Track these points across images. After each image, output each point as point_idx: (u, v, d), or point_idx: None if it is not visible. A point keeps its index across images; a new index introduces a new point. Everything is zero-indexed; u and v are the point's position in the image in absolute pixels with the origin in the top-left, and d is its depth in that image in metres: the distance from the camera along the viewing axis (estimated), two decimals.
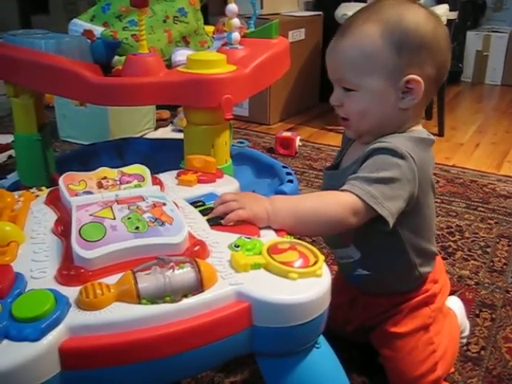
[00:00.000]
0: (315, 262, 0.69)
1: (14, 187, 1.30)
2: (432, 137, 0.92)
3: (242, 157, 1.64)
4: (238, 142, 2.22)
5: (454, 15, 2.37)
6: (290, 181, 1.43)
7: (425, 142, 0.89)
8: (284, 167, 1.54)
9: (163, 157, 1.38)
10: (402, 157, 0.83)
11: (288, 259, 0.68)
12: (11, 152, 2.02)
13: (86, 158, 1.62)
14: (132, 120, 2.32)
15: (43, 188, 0.92)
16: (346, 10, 2.34)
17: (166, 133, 2.45)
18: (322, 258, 0.70)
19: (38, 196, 0.88)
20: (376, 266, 0.96)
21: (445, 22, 2.27)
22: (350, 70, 0.87)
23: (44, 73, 1.15)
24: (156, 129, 2.48)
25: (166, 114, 2.64)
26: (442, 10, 2.29)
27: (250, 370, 1.01)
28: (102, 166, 0.93)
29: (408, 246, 0.93)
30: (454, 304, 1.10)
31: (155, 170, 1.00)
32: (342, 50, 0.87)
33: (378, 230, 0.84)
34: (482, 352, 1.09)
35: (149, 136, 2.36)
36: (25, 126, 1.35)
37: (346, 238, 0.95)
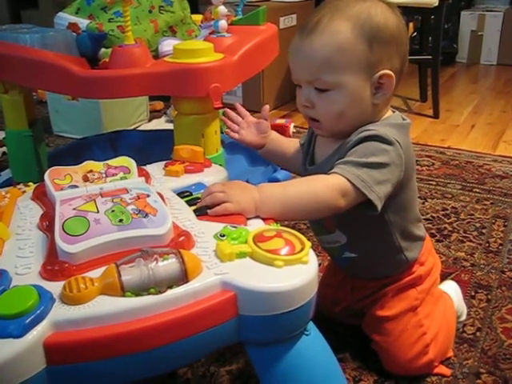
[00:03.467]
0: (301, 249, 0.68)
1: (7, 184, 1.30)
2: (408, 120, 0.92)
3: (235, 145, 1.64)
4: None
5: None
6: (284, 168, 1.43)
7: (404, 127, 0.89)
8: None
9: (156, 148, 1.37)
10: (389, 143, 0.83)
11: (274, 247, 0.68)
12: (5, 149, 2.01)
13: (78, 152, 1.62)
14: (125, 112, 2.31)
15: (30, 184, 0.91)
16: None
17: (159, 124, 2.44)
18: (308, 244, 0.70)
19: (24, 192, 0.88)
20: (363, 248, 0.96)
21: (437, 3, 2.25)
22: (325, 69, 0.84)
23: (30, 68, 1.14)
24: (150, 120, 2.47)
25: (159, 105, 2.63)
26: None
27: (245, 359, 1.01)
28: (94, 160, 0.93)
29: (392, 228, 0.93)
30: (451, 288, 1.10)
31: (148, 161, 0.99)
32: (314, 50, 0.83)
33: (365, 214, 0.83)
34: (478, 333, 1.09)
35: (142, 127, 2.35)
36: (15, 122, 1.35)
37: (329, 224, 0.95)
